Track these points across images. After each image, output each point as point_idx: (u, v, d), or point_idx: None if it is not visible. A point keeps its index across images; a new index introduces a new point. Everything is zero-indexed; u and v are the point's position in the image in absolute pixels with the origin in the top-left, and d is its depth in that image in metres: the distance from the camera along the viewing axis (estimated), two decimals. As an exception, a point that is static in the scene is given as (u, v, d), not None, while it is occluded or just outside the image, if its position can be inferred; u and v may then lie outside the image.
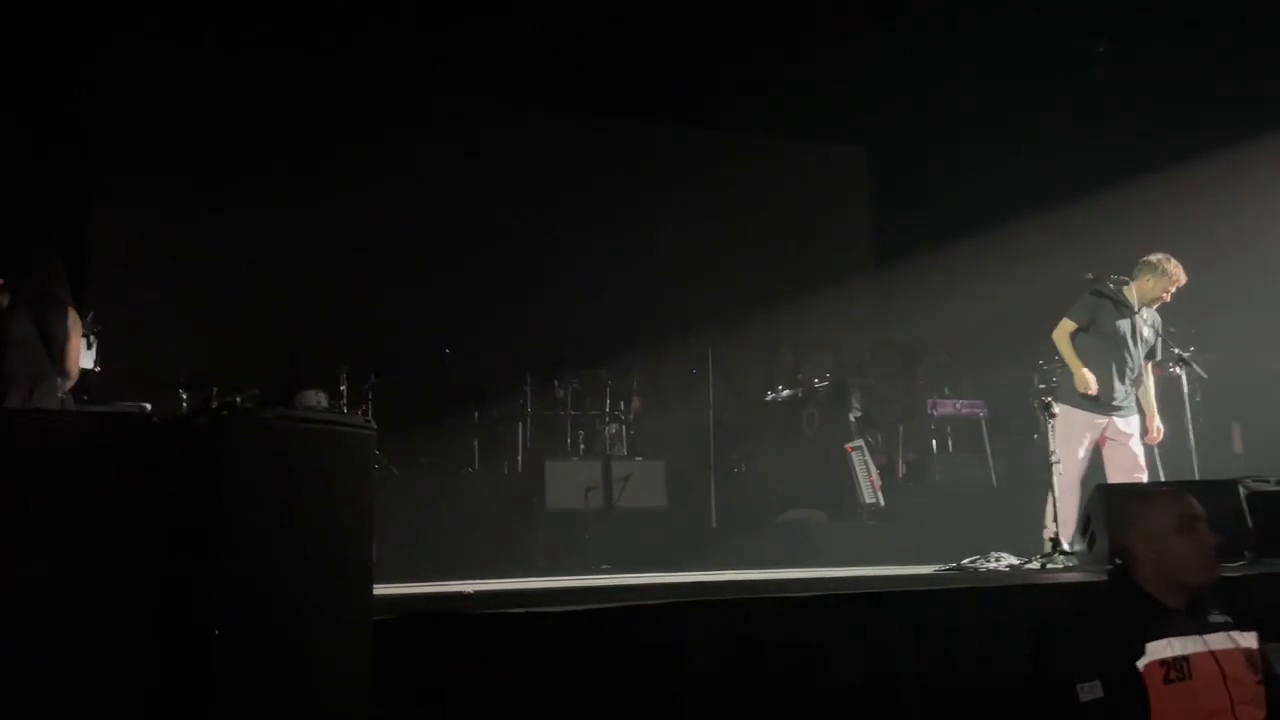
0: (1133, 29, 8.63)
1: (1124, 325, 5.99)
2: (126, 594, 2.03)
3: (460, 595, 4.61)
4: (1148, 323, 6.07)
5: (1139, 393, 6.08)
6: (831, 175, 11.98)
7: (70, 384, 5.46)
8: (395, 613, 3.00)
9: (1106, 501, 5.08)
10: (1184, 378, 6.38)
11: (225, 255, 9.06)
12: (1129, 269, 6.09)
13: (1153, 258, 6.01)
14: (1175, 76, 8.50)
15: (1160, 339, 6.14)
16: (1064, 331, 6.01)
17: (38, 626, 1.96)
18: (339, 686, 2.32)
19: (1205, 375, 6.57)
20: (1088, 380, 5.83)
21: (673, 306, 9.94)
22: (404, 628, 2.92)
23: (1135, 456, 5.92)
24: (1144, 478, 5.86)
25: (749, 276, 10.43)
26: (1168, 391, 6.57)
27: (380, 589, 2.87)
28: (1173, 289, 5.97)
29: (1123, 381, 5.97)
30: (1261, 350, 8.09)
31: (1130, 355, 5.99)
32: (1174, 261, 5.97)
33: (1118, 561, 3.04)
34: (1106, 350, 5.96)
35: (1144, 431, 6.03)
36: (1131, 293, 6.01)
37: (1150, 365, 6.15)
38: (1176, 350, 6.37)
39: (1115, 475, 5.88)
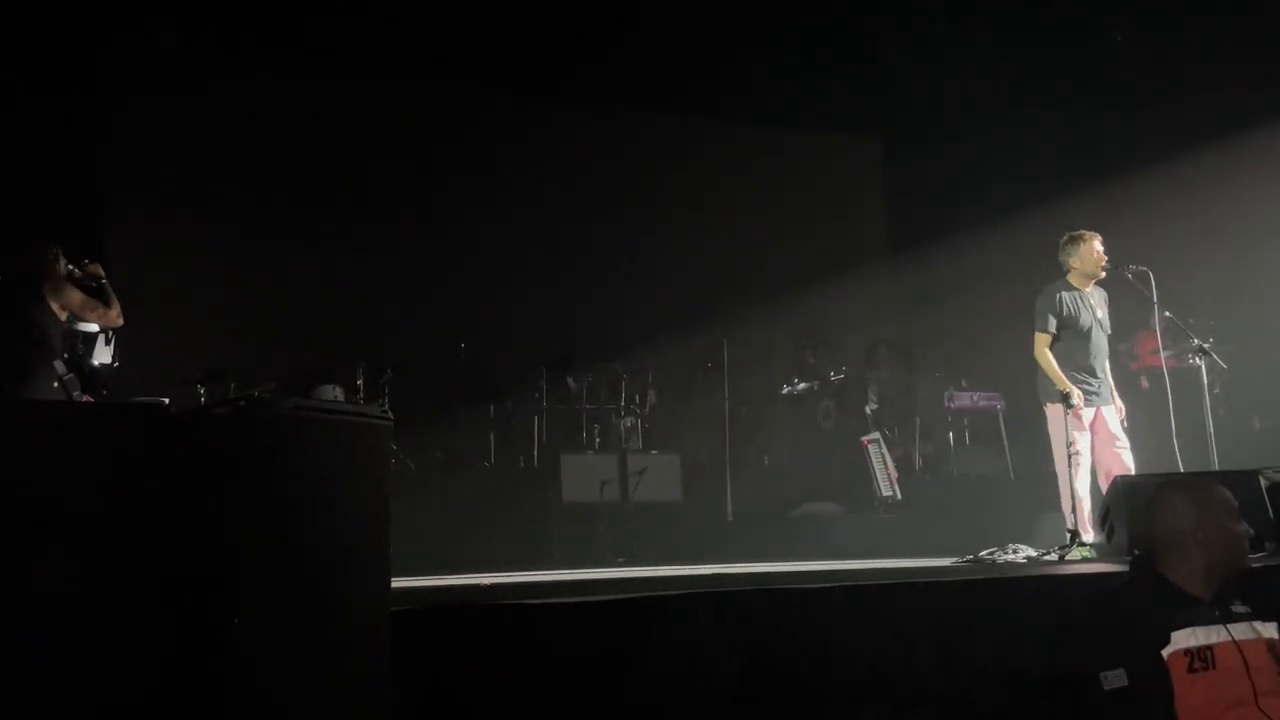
0: (1147, 20, 8.58)
1: (1085, 314, 6.05)
2: (141, 584, 2.03)
3: (476, 589, 4.62)
4: (1098, 302, 6.13)
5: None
6: (847, 169, 11.93)
7: (115, 323, 5.64)
8: (413, 603, 3.01)
9: (1128, 492, 5.04)
10: (1203, 369, 6.33)
11: (243, 252, 9.12)
12: (1146, 259, 6.09)
13: (1066, 235, 6.15)
14: (1192, 66, 8.45)
15: (1109, 309, 6.18)
16: (1044, 345, 6.05)
17: (47, 616, 1.96)
18: (356, 676, 2.32)
19: (1225, 366, 6.54)
20: (1075, 393, 5.88)
21: (687, 300, 9.92)
22: (422, 618, 2.93)
23: (1120, 444, 5.93)
24: (1130, 462, 5.85)
25: (764, 270, 10.41)
26: (1187, 383, 6.53)
27: (396, 583, 2.86)
28: (1099, 248, 6.05)
29: (1100, 371, 6.03)
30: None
31: (1099, 342, 6.06)
32: (1083, 230, 6.12)
33: (1136, 552, 3.02)
34: (1081, 344, 6.02)
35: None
36: (1077, 278, 6.09)
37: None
38: (1196, 341, 6.35)
39: (1104, 463, 5.90)
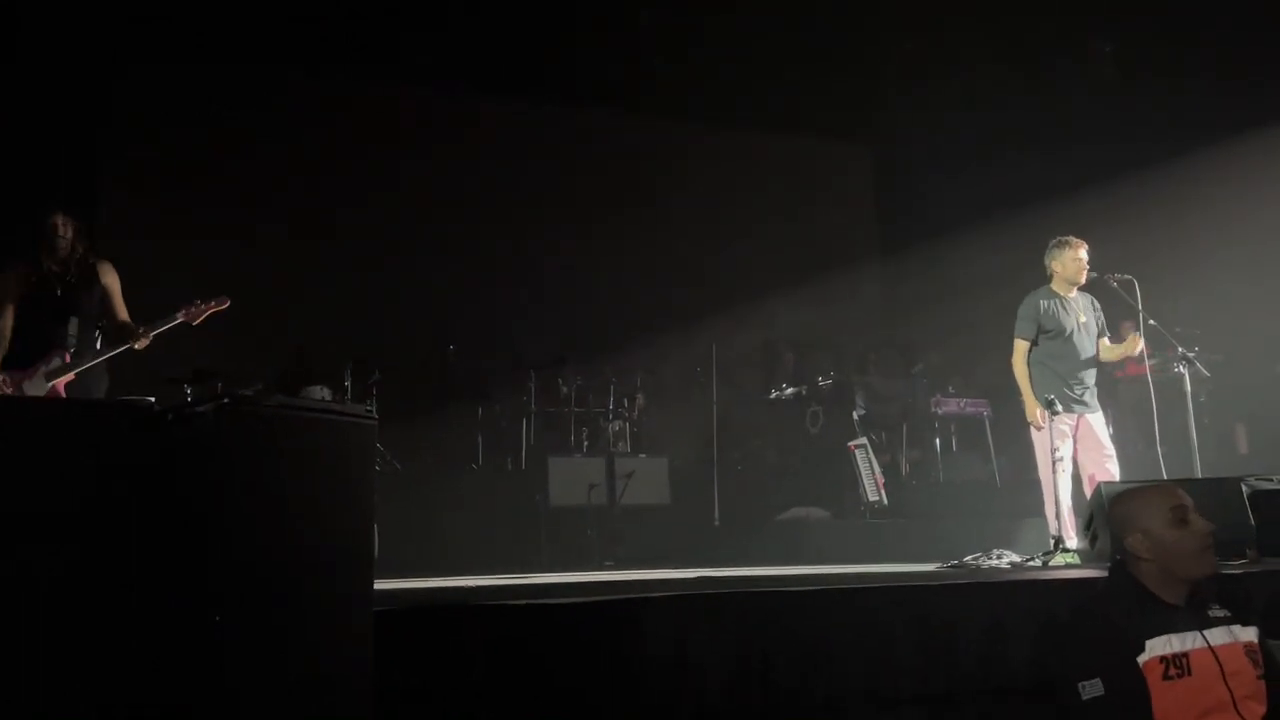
0: (1136, 28, 8.64)
1: (1067, 320, 6.09)
2: (121, 581, 2.03)
3: (462, 591, 4.62)
4: (1082, 308, 6.17)
5: (1120, 351, 6.14)
6: (836, 174, 11.98)
7: None
8: (396, 604, 3.01)
9: (1111, 498, 5.06)
10: (1187, 377, 6.37)
11: (231, 253, 9.09)
12: (1130, 266, 6.13)
13: (1054, 240, 6.20)
14: (1178, 72, 8.51)
15: (1100, 313, 6.22)
16: (1020, 354, 6.14)
17: (25, 615, 1.96)
18: (338, 675, 2.32)
19: (1208, 374, 6.58)
20: (1036, 415, 5.94)
21: (677, 304, 9.95)
22: (405, 619, 2.93)
23: (1105, 452, 5.96)
24: (1115, 469, 5.88)
25: (753, 274, 10.45)
26: (1170, 391, 6.56)
27: (382, 584, 2.87)
28: (1083, 256, 6.09)
29: (1083, 378, 6.05)
30: (1266, 350, 8.06)
31: (1083, 348, 6.08)
32: (1070, 236, 6.17)
33: (1117, 558, 3.03)
34: (1063, 350, 6.06)
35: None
36: (1059, 284, 6.14)
37: (1106, 340, 6.22)
38: (1181, 349, 6.38)
39: (1088, 470, 5.94)
